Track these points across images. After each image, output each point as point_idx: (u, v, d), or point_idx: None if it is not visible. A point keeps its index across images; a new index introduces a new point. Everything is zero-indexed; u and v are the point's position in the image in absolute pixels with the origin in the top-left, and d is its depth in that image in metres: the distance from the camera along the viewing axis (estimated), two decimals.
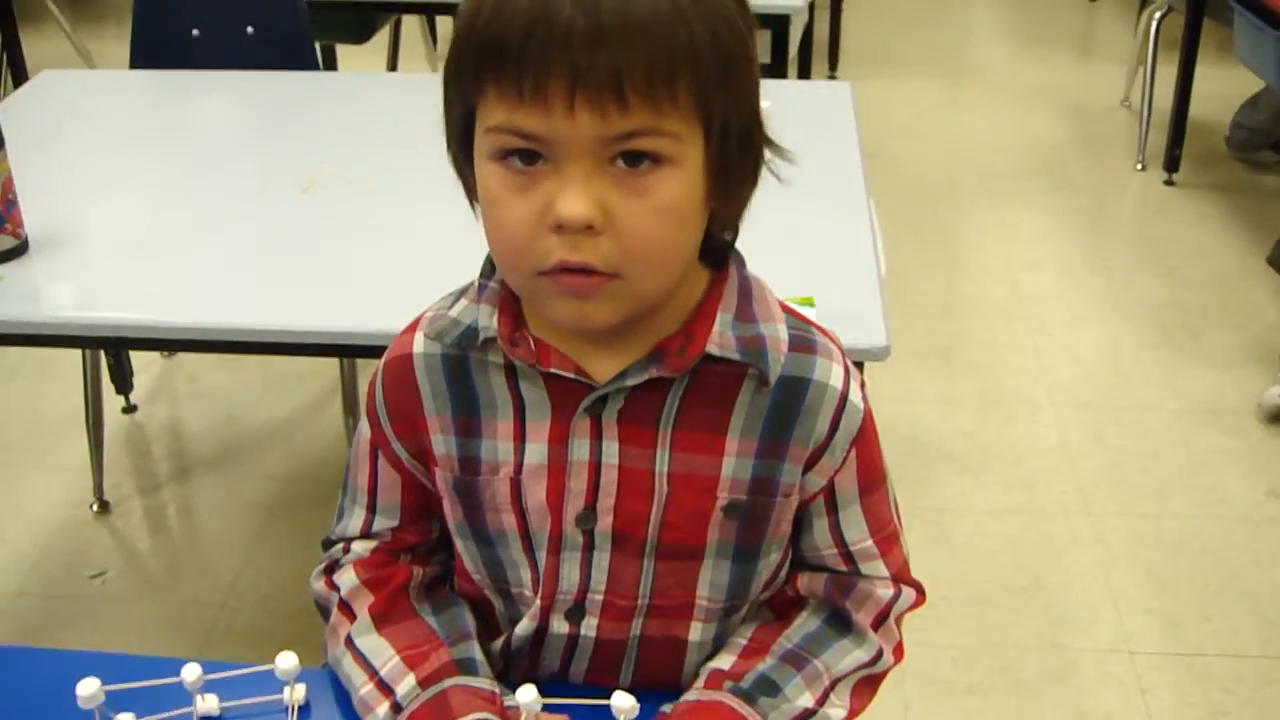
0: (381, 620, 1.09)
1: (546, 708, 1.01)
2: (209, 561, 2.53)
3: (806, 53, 3.80)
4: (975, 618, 2.34)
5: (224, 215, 1.99)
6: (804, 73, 3.78)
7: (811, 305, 1.67)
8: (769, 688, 1.04)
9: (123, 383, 2.94)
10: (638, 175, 0.90)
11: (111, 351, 2.72)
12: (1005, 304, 3.38)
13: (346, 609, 1.11)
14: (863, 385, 1.07)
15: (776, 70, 2.98)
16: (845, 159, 2.10)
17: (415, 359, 1.06)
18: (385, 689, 1.04)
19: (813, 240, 1.86)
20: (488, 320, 1.02)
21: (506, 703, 1.03)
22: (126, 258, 1.87)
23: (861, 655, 1.09)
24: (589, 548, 1.06)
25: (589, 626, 1.09)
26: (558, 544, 1.06)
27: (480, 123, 0.93)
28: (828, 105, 2.34)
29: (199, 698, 1.08)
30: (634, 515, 1.04)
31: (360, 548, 1.15)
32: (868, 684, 1.11)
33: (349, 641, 1.09)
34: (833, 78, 4.72)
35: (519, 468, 1.05)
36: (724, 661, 1.08)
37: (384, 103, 2.44)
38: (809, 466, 1.05)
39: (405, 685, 1.04)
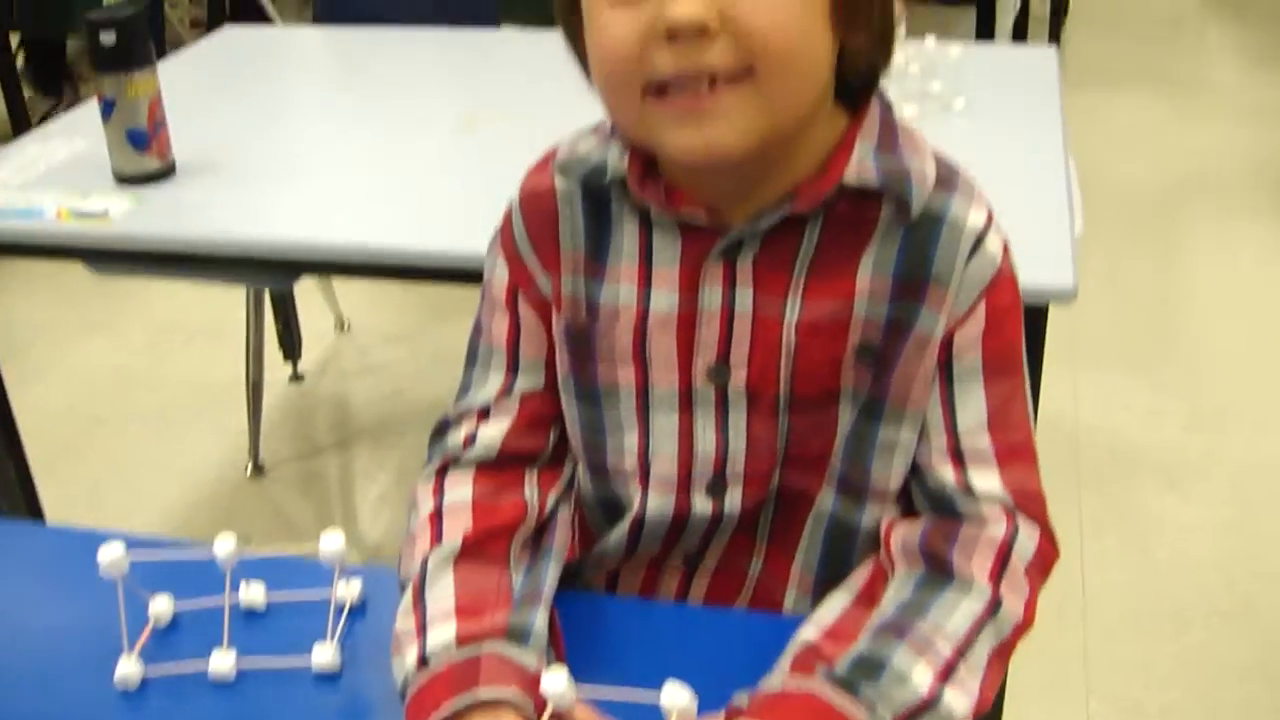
0: (466, 554, 0.93)
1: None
2: (352, 532, 2.44)
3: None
4: (1174, 638, 2.09)
5: (377, 150, 1.91)
6: None
7: None
8: (870, 669, 0.83)
9: (291, 350, 2.90)
10: None
11: (247, 280, 2.46)
12: (1227, 318, 3.09)
13: (437, 523, 0.96)
14: (1006, 248, 0.94)
15: None
16: (1044, 117, 1.92)
17: (558, 192, 0.98)
18: (421, 631, 0.88)
19: (1003, 188, 1.67)
20: (617, 160, 0.94)
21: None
22: (276, 186, 1.80)
23: (974, 606, 0.88)
24: (722, 406, 0.95)
25: (733, 501, 0.98)
26: (688, 400, 0.96)
27: None
28: (1029, 66, 2.16)
29: (244, 585, 0.96)
30: (765, 369, 0.93)
31: (492, 434, 0.99)
32: (999, 657, 0.88)
33: (423, 565, 0.93)
34: None
35: (644, 314, 0.95)
36: (810, 633, 0.89)
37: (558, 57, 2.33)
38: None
39: (442, 636, 0.87)
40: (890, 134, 0.92)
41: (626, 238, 0.96)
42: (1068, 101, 1.98)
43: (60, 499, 2.41)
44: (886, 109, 0.94)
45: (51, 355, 3.10)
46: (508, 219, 1.01)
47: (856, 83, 0.92)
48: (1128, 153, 4.04)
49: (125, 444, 2.74)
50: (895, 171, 0.90)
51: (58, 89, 4.41)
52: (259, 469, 2.61)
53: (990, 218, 0.93)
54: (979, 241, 0.91)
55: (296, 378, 2.93)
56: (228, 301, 2.67)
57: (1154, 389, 2.79)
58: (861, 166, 0.89)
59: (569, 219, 0.97)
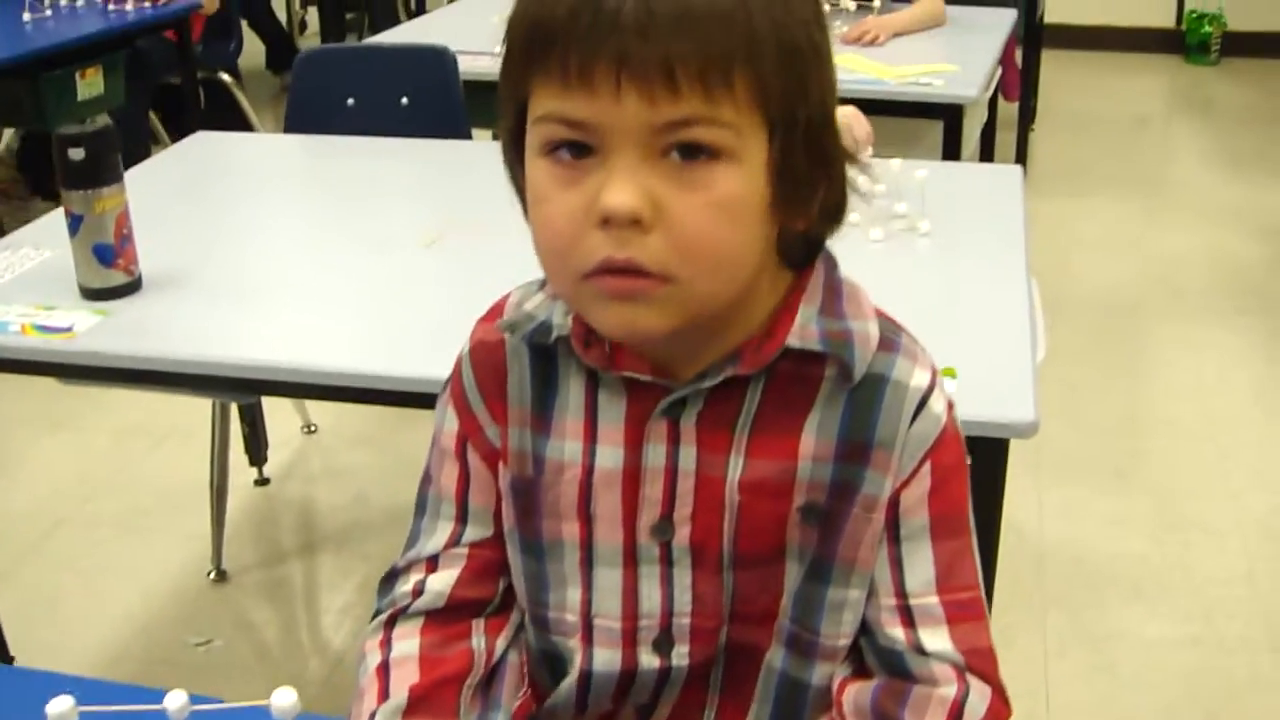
0: (413, 709, 0.95)
1: None
2: (318, 640, 2.42)
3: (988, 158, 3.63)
4: None
5: (343, 266, 1.92)
6: None
7: (954, 376, 1.52)
8: None
9: (256, 454, 2.89)
10: (693, 168, 0.82)
11: (210, 394, 2.52)
12: (1191, 425, 3.12)
13: (384, 677, 0.97)
14: (951, 407, 0.95)
15: None
16: (1008, 239, 1.95)
17: (507, 344, 0.98)
18: None
19: (965, 315, 1.71)
20: (562, 319, 0.94)
21: None
22: (240, 302, 1.79)
23: None
24: (667, 562, 0.95)
25: (680, 656, 0.97)
26: (632, 558, 0.96)
27: (530, 117, 0.85)
28: (994, 186, 2.19)
29: None
30: (709, 527, 0.94)
31: (440, 584, 1.00)
32: None
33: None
34: None
35: (589, 470, 0.95)
36: None
37: None
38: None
39: None
40: (834, 296, 0.93)
41: (573, 394, 0.96)
42: (1035, 208, 2.00)
43: (20, 602, 2.39)
44: (831, 267, 0.95)
45: (16, 455, 3.09)
46: (458, 369, 1.02)
47: (798, 251, 0.93)
48: (1094, 258, 4.09)
49: (87, 547, 2.71)
50: (838, 334, 0.91)
51: (47, 187, 4.38)
52: (222, 575, 2.58)
53: (934, 376, 0.94)
54: (923, 403, 0.92)
55: (262, 481, 2.91)
56: (194, 405, 2.66)
57: (1119, 500, 2.80)
58: (804, 330, 0.90)
59: (516, 373, 0.98)
